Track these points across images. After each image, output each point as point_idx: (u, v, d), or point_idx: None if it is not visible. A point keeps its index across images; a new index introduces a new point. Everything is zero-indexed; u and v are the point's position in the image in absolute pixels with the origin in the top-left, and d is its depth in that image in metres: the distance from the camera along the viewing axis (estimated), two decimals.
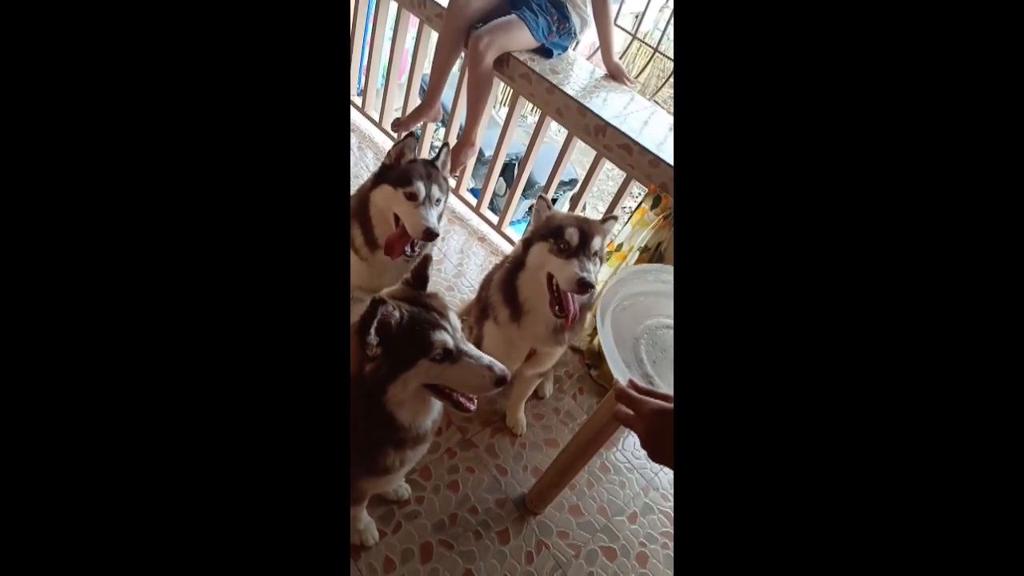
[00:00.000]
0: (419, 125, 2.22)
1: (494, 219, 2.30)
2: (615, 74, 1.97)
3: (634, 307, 1.08)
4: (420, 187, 1.34)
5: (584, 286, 1.19)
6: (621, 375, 0.86)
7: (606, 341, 0.94)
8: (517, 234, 2.26)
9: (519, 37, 1.84)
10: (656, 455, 0.72)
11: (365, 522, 1.30)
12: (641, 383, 0.79)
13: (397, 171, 1.36)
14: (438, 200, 1.39)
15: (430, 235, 1.32)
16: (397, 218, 1.38)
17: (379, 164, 1.43)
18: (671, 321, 1.05)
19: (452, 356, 0.89)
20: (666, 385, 0.90)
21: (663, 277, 1.14)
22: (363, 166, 2.42)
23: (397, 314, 0.86)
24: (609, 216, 1.36)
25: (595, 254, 1.25)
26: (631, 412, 0.73)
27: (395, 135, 2.40)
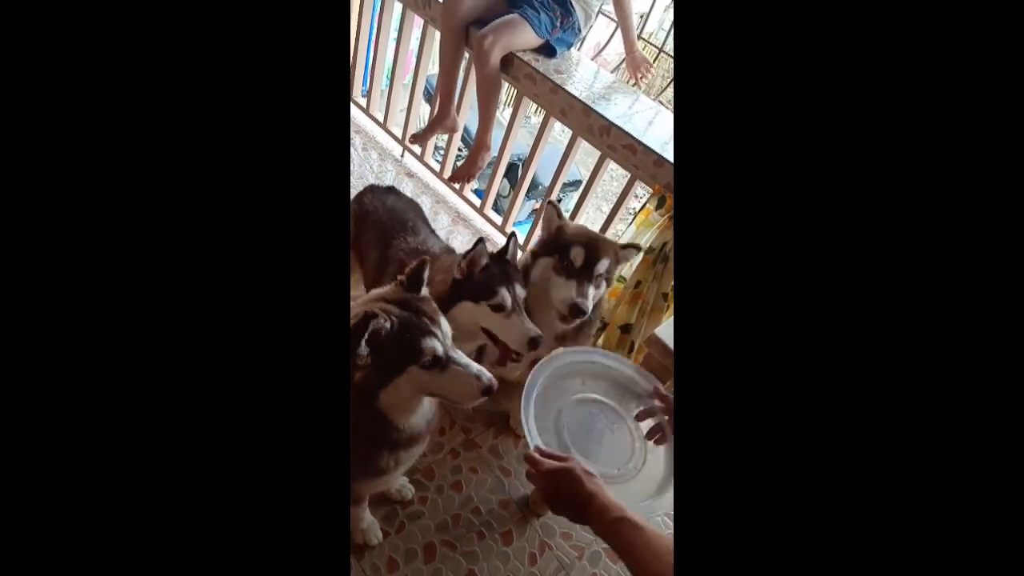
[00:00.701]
0: (436, 136, 2.21)
1: (498, 220, 2.30)
2: (639, 64, 2.01)
3: (561, 383, 1.17)
4: (505, 295, 1.16)
5: (576, 312, 1.21)
6: (531, 441, 1.00)
7: (525, 412, 1.05)
8: (521, 234, 2.26)
9: (523, 35, 1.83)
10: (554, 508, 0.89)
11: (368, 522, 1.30)
12: (554, 450, 0.96)
13: (474, 283, 1.17)
14: (524, 299, 1.22)
15: (536, 344, 1.16)
16: (487, 331, 1.21)
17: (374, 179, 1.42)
18: (594, 396, 1.19)
19: (441, 363, 0.89)
20: (577, 454, 1.04)
21: (593, 358, 1.23)
22: (367, 167, 2.43)
23: (388, 324, 0.85)
24: (631, 244, 1.34)
25: (600, 276, 1.26)
26: (535, 471, 0.90)
27: (414, 148, 2.40)
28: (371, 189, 1.61)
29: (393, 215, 1.49)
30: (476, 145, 2.07)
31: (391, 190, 1.61)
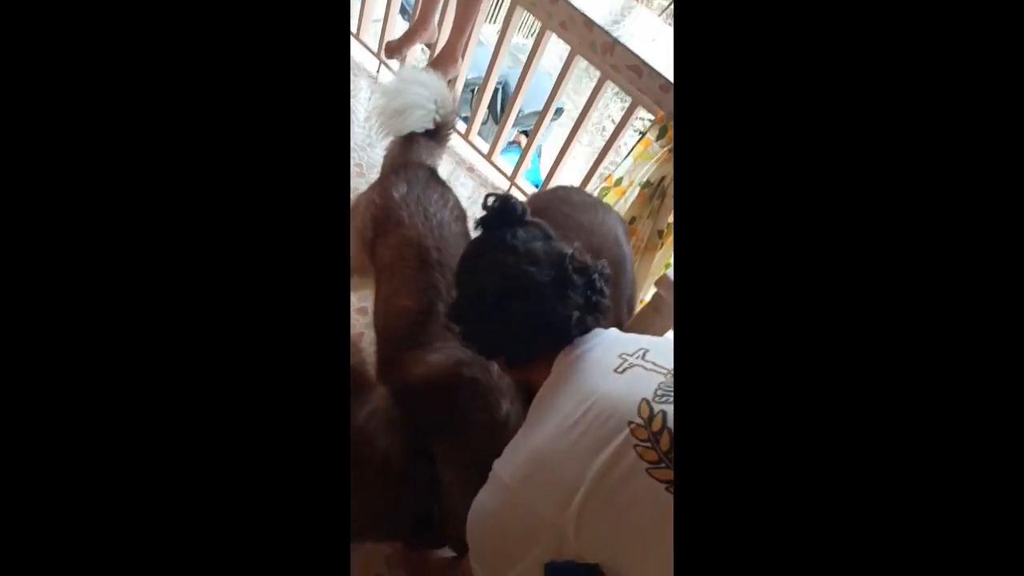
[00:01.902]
0: (413, 48, 2.00)
1: (484, 147, 2.15)
2: None
3: None
4: None
5: None
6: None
7: None
8: (509, 164, 2.12)
9: None
10: None
11: None
12: None
13: None
14: None
15: None
16: None
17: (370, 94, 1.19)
18: None
19: None
20: None
21: None
22: (357, 100, 2.19)
23: None
24: None
25: None
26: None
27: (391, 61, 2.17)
28: (405, 173, 1.17)
29: (440, 243, 1.06)
30: (441, 54, 1.87)
31: (441, 190, 1.18)
